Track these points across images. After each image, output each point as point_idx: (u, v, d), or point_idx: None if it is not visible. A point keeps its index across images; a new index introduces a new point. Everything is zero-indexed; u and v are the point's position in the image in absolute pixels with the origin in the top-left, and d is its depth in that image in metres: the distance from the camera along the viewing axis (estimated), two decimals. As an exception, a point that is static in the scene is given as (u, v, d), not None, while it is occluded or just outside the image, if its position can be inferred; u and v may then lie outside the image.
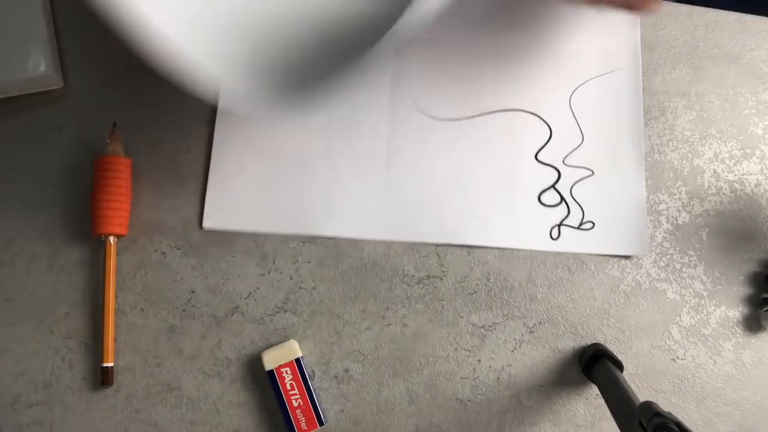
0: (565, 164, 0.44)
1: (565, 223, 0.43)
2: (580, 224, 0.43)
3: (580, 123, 0.45)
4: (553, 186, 0.44)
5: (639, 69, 0.46)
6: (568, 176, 0.44)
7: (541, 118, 0.45)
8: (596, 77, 0.46)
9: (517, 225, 0.43)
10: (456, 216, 0.43)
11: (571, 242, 0.43)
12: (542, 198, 0.44)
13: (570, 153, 0.44)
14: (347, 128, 0.44)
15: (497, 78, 0.45)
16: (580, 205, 0.44)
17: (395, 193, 0.43)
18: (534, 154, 0.44)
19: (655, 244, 0.44)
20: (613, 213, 0.44)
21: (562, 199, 0.44)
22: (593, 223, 0.44)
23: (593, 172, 0.44)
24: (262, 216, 0.43)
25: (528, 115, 0.45)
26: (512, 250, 0.44)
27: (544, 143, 0.44)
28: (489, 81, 0.45)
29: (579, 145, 0.45)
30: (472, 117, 0.45)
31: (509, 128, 0.45)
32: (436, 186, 0.44)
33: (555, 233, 0.43)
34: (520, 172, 0.44)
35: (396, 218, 0.43)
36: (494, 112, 0.45)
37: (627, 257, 0.44)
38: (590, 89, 0.46)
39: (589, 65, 0.46)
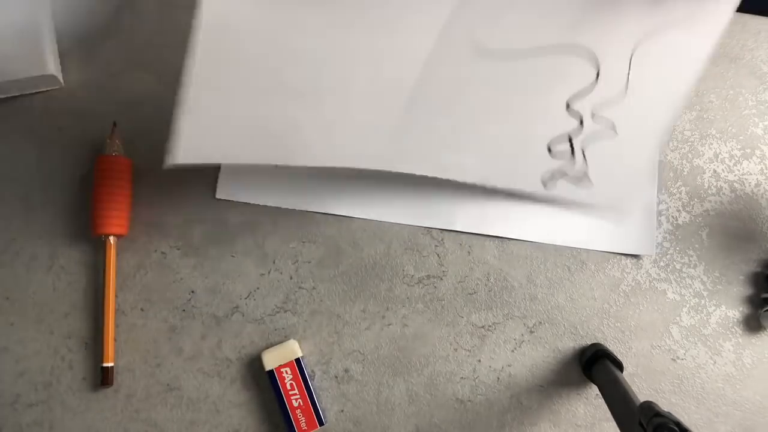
0: (591, 116, 0.41)
1: (564, 174, 0.41)
2: (578, 178, 0.42)
3: (630, 78, 0.40)
4: (568, 136, 0.41)
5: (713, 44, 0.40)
6: (589, 129, 0.41)
7: (595, 60, 0.39)
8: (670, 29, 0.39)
9: (523, 165, 0.41)
10: (463, 151, 0.40)
11: (566, 194, 0.42)
12: (552, 144, 0.41)
13: (602, 104, 0.40)
14: (378, 53, 0.37)
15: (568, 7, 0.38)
16: (586, 162, 0.41)
17: (410, 124, 0.39)
18: (568, 99, 0.40)
19: (655, 246, 0.44)
20: (617, 178, 0.42)
21: (572, 151, 0.41)
22: (592, 181, 0.42)
23: (616, 133, 0.41)
24: (248, 142, 0.36)
25: (579, 58, 0.39)
26: (512, 249, 0.44)
27: (583, 89, 0.40)
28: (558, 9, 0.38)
29: (615, 101, 0.40)
30: (525, 50, 0.38)
31: (554, 72, 0.40)
32: (452, 120, 0.40)
33: (550, 179, 0.41)
34: (544, 113, 0.40)
35: (400, 146, 0.39)
36: (549, 47, 0.39)
37: (630, 256, 0.44)
38: (659, 47, 0.40)
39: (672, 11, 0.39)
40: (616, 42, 0.39)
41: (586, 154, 0.41)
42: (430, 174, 0.40)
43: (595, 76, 0.40)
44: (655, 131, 0.42)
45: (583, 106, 0.41)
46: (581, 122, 0.41)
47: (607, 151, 0.42)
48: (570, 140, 0.41)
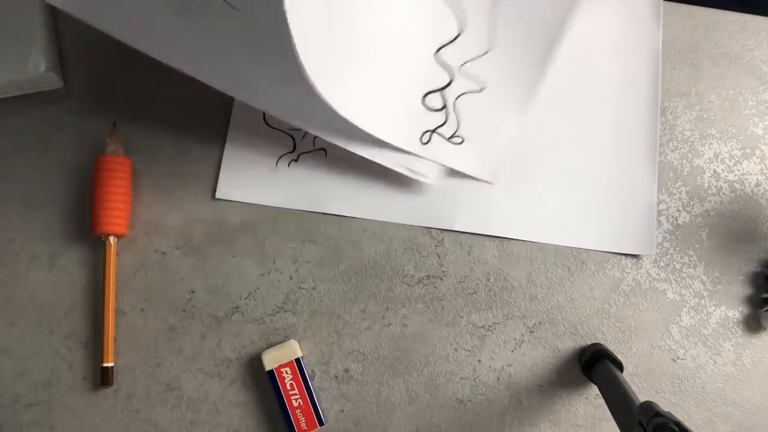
0: (460, 72, 0.41)
1: (438, 131, 0.41)
2: (452, 136, 0.42)
3: (494, 33, 0.41)
4: (440, 90, 0.41)
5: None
6: (459, 85, 0.41)
7: (460, 12, 0.41)
8: None
9: (395, 119, 0.40)
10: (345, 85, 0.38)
11: (439, 152, 0.41)
12: (426, 99, 0.41)
13: (470, 60, 0.41)
14: None
15: None
16: (458, 117, 0.42)
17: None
18: (436, 49, 0.41)
19: (655, 246, 0.44)
20: (488, 134, 0.42)
21: (445, 106, 0.41)
22: (463, 138, 0.42)
23: (484, 88, 0.42)
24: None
25: (445, 9, 0.41)
26: (512, 249, 0.44)
27: (449, 41, 0.41)
28: None
29: (480, 56, 0.41)
30: None
31: (423, 18, 0.40)
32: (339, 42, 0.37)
33: (426, 138, 0.41)
34: (416, 66, 0.41)
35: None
36: None
37: (630, 256, 0.44)
38: (520, 6, 0.41)
39: None
40: None
41: (458, 110, 0.41)
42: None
43: (458, 28, 0.41)
44: (522, 89, 0.42)
45: (451, 59, 0.41)
46: (451, 76, 0.41)
47: (478, 105, 0.42)
48: (443, 95, 0.41)
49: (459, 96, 0.42)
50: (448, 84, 0.41)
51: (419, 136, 0.41)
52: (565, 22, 0.42)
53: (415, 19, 0.40)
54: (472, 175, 0.43)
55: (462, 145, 0.42)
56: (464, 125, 0.42)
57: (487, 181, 0.43)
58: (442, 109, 0.41)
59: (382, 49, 0.39)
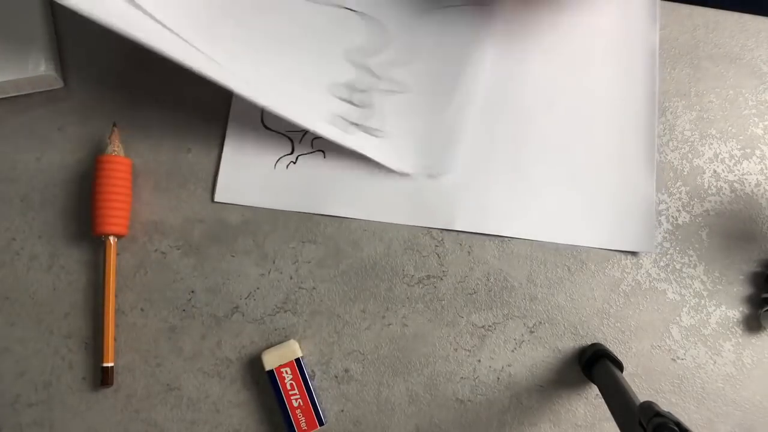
0: (386, 76, 0.45)
1: (362, 124, 0.44)
2: (374, 130, 0.44)
3: (420, 49, 0.46)
4: (366, 90, 0.45)
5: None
6: (385, 86, 0.45)
7: (384, 27, 0.46)
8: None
9: (317, 109, 0.44)
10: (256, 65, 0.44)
11: (362, 143, 0.44)
12: (353, 96, 0.45)
13: (396, 67, 0.45)
14: None
15: None
16: (382, 114, 0.45)
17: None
18: (364, 54, 0.45)
19: (655, 244, 0.44)
20: (410, 131, 0.45)
21: (370, 103, 0.45)
22: (385, 132, 0.44)
23: (407, 92, 0.45)
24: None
25: (369, 22, 0.46)
26: (512, 249, 0.44)
27: (377, 50, 0.45)
28: None
29: (405, 64, 0.45)
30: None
31: (342, 25, 0.46)
32: (252, 33, 0.44)
33: (351, 129, 0.44)
34: (343, 67, 0.45)
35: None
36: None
37: (630, 256, 0.44)
38: (441, 21, 0.46)
39: None
40: (401, 13, 0.46)
41: (382, 107, 0.45)
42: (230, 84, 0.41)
43: (387, 40, 0.46)
44: (441, 96, 0.45)
45: (378, 65, 0.46)
46: (373, 77, 0.45)
47: (401, 107, 0.45)
48: (369, 93, 0.45)
49: (384, 95, 0.45)
50: (374, 84, 0.45)
51: (344, 127, 0.44)
52: (474, 55, 0.46)
53: (340, 29, 0.46)
54: (389, 166, 0.44)
55: (384, 138, 0.44)
56: (387, 121, 0.45)
57: (405, 173, 0.44)
58: (367, 105, 0.45)
59: (306, 53, 0.45)
